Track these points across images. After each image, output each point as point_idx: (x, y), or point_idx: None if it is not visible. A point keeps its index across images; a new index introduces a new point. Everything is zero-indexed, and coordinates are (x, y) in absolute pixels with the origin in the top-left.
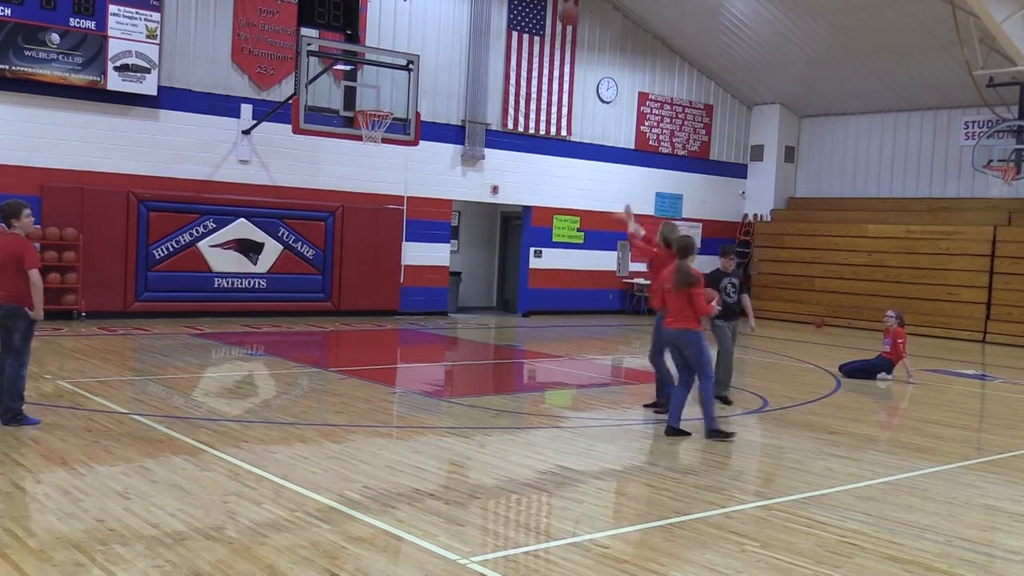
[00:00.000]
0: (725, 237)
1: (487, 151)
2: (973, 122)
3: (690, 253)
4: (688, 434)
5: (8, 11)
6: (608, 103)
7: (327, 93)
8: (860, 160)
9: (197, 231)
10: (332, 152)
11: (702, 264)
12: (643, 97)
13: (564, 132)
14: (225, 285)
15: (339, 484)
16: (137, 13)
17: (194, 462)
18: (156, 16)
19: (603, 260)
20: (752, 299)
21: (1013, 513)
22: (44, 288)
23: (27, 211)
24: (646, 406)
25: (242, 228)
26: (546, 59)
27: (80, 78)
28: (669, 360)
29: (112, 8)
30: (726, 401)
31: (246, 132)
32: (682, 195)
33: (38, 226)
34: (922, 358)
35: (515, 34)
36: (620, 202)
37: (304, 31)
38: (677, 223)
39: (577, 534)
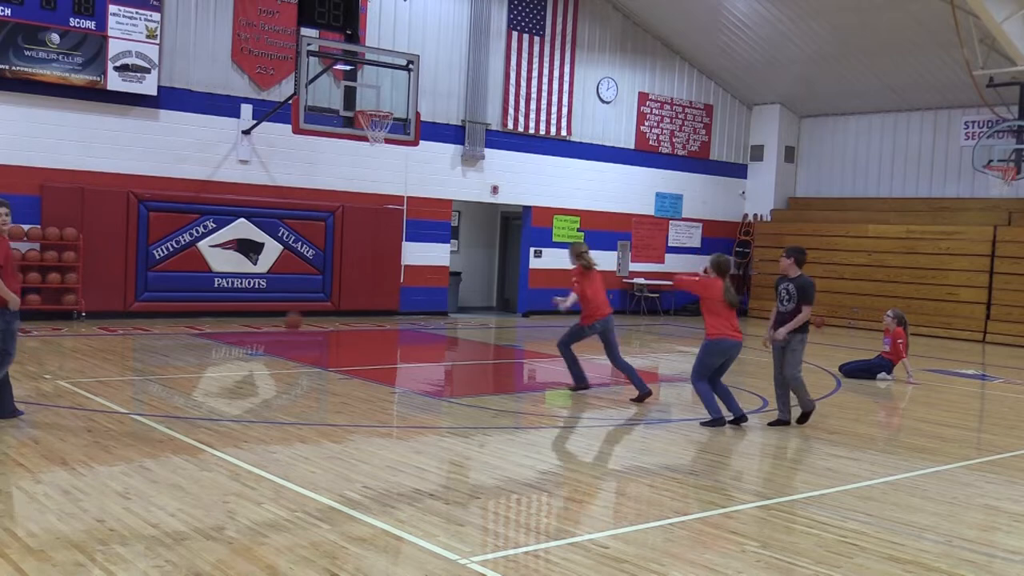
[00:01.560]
0: (725, 237)
1: (487, 151)
2: (973, 122)
3: (728, 270)
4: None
5: (8, 11)
6: (608, 103)
7: (327, 93)
8: (860, 160)
9: (197, 231)
10: (332, 152)
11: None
12: (643, 97)
13: (564, 132)
14: (225, 285)
15: (339, 484)
16: (137, 13)
17: (194, 462)
18: (156, 16)
19: (603, 260)
20: (752, 299)
21: (1013, 513)
22: (44, 288)
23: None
24: (572, 389)
25: (242, 228)
26: (546, 59)
27: (80, 78)
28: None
29: (112, 8)
30: (782, 422)
31: (246, 132)
32: (682, 195)
33: (33, 225)
34: (922, 358)
35: (515, 34)
36: (620, 202)
37: (304, 31)
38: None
39: (577, 534)
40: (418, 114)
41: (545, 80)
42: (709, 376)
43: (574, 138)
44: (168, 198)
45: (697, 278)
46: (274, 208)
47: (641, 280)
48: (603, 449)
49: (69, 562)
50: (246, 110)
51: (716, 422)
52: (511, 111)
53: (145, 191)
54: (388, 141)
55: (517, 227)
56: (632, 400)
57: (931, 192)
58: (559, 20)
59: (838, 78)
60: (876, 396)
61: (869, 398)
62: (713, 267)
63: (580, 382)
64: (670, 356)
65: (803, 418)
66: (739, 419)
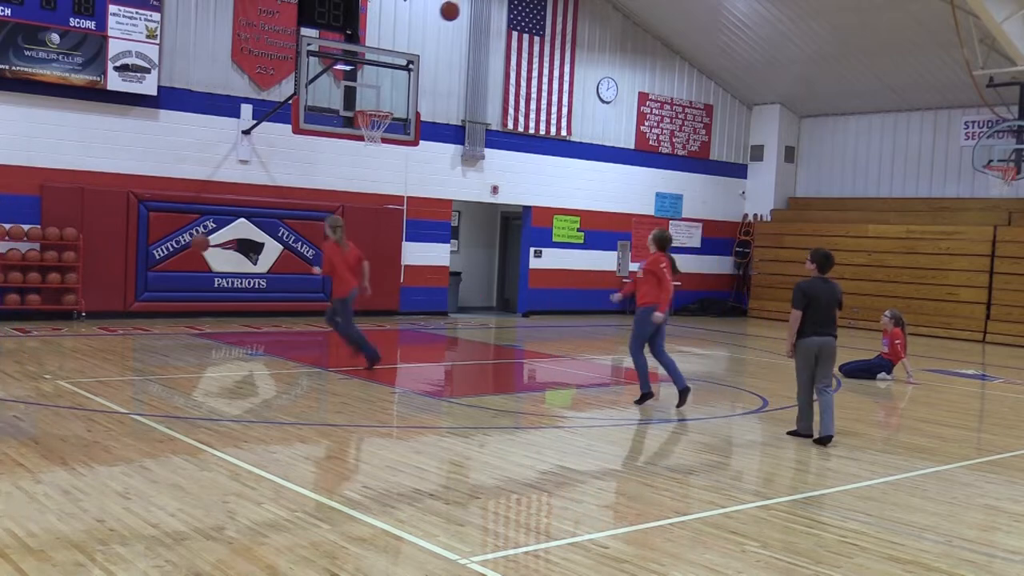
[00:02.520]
0: (725, 237)
1: (487, 151)
2: (973, 122)
3: (670, 243)
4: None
5: (8, 11)
6: (608, 103)
7: (327, 93)
8: (860, 160)
9: (197, 231)
10: (332, 152)
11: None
12: (643, 97)
13: (564, 132)
14: (225, 285)
15: (339, 484)
16: (137, 13)
17: (194, 462)
18: (156, 16)
19: (603, 260)
20: (752, 299)
21: (1013, 513)
22: (44, 288)
23: None
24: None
25: (242, 228)
26: (546, 59)
27: (80, 78)
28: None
29: (112, 8)
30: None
31: (246, 132)
32: (682, 195)
33: (33, 225)
34: (922, 358)
35: (515, 34)
36: (620, 202)
37: (304, 31)
38: (339, 216)
39: (577, 534)
40: (418, 114)
41: (545, 80)
42: (653, 350)
43: (574, 138)
44: (168, 198)
45: (639, 276)
46: (274, 208)
47: None
48: (603, 449)
49: (69, 562)
50: (246, 110)
51: (645, 397)
52: (511, 111)
53: (145, 191)
54: (388, 141)
55: (517, 227)
56: (365, 369)
57: (931, 192)
58: (559, 20)
59: (838, 78)
60: (876, 396)
61: (869, 398)
62: (656, 242)
63: (372, 359)
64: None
65: (792, 432)
66: (683, 392)
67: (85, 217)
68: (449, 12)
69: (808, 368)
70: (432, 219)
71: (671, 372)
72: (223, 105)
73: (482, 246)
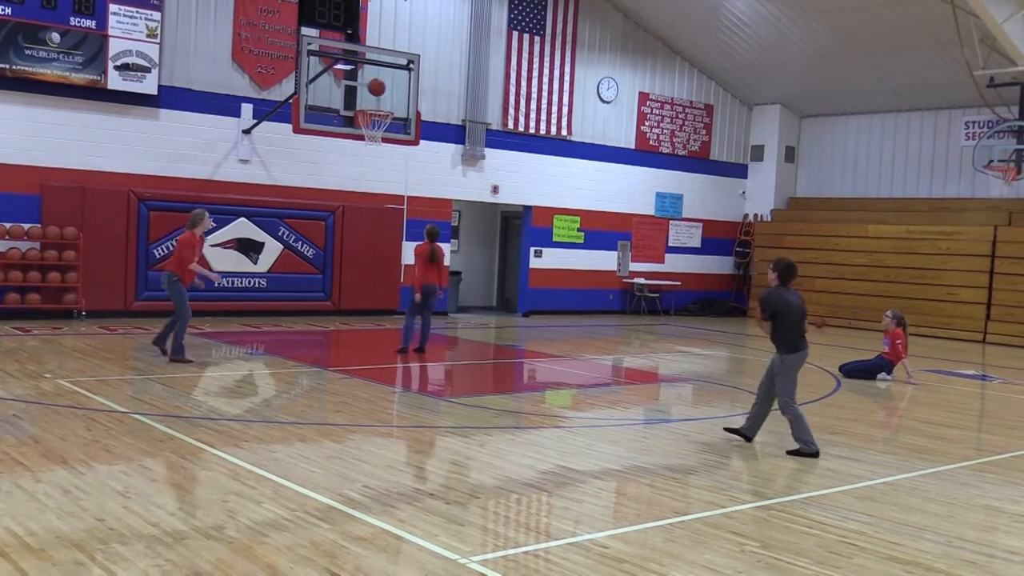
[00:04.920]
0: (725, 237)
1: (487, 151)
2: (973, 122)
3: (437, 237)
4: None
5: (8, 10)
6: (608, 103)
7: (327, 93)
8: (860, 160)
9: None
10: (332, 152)
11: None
12: (643, 97)
13: (564, 132)
14: (225, 284)
15: (339, 484)
16: (137, 12)
17: (194, 462)
18: (156, 15)
19: (603, 260)
20: (751, 300)
21: (1013, 513)
22: (45, 287)
23: None
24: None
25: (242, 228)
26: (546, 59)
27: (80, 77)
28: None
29: (112, 7)
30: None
31: (246, 131)
32: (682, 195)
33: (33, 224)
34: (922, 358)
35: (515, 34)
36: (620, 202)
37: (304, 31)
38: None
39: (577, 534)
40: (418, 114)
41: (545, 80)
42: (417, 315)
43: (574, 138)
44: (168, 197)
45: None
46: (274, 208)
47: (641, 280)
48: (603, 449)
49: (69, 561)
50: (246, 109)
51: (402, 351)
52: (511, 111)
53: (145, 190)
54: (389, 141)
55: (517, 227)
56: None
57: (931, 192)
58: (559, 20)
59: (838, 78)
60: (876, 396)
61: (869, 398)
62: (426, 234)
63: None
64: (670, 356)
65: (795, 452)
66: (420, 348)
67: (85, 216)
68: (376, 89)
69: (796, 379)
70: (432, 219)
71: (422, 332)
72: (223, 104)
73: (482, 246)
